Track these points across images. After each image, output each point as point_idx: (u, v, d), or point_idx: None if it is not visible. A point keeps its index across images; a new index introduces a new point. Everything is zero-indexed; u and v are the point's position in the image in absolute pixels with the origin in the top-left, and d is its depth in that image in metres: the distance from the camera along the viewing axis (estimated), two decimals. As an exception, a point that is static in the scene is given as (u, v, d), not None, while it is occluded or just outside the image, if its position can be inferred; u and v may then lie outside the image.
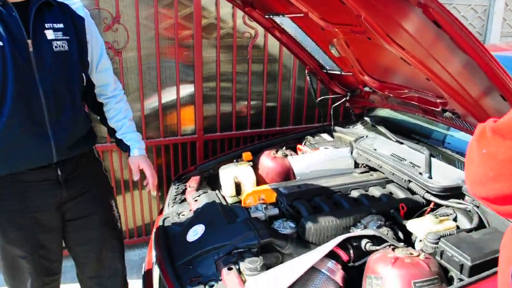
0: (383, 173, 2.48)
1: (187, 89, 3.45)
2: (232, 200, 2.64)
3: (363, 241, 1.83)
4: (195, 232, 2.08)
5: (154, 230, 2.35)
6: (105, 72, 2.06)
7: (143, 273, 2.39)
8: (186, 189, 2.67)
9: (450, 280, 1.64)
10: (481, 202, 1.56)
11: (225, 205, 2.29)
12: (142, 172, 2.18)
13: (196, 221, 2.17)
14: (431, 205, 2.12)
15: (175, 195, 2.64)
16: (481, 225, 1.88)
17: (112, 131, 2.16)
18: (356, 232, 1.86)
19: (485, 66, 1.58)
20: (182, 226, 2.22)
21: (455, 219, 1.96)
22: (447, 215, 1.95)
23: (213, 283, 1.79)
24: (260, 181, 2.68)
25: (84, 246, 2.09)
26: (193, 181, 2.72)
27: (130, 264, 3.38)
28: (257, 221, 2.03)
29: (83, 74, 1.95)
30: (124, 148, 2.19)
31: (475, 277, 1.51)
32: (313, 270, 1.72)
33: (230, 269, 1.79)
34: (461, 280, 1.58)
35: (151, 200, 3.60)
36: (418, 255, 1.66)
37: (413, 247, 1.88)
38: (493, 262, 1.60)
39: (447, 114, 2.10)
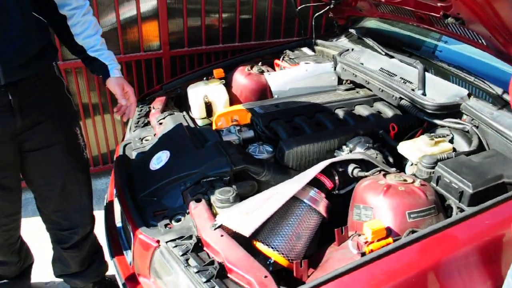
0: (370, 90, 2.22)
1: (148, 1, 3.01)
2: (202, 123, 2.37)
3: (350, 167, 1.61)
4: (159, 160, 1.82)
5: (115, 158, 2.09)
6: None
7: (104, 205, 2.16)
8: (150, 111, 2.37)
9: (446, 210, 1.46)
10: None
11: (194, 128, 2.01)
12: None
13: (160, 147, 1.91)
14: (425, 125, 1.90)
15: (138, 118, 2.34)
16: (480, 148, 1.68)
17: (79, 50, 1.78)
18: (342, 156, 1.64)
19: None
20: (145, 153, 1.96)
21: (451, 141, 1.75)
22: (443, 136, 1.74)
23: (179, 217, 1.58)
24: (233, 100, 2.39)
25: (46, 179, 1.81)
26: (158, 102, 2.41)
27: (96, 194, 3.14)
28: (229, 145, 1.77)
29: None
30: (98, 68, 1.80)
31: (477, 207, 1.32)
32: (293, 199, 1.51)
33: (198, 200, 1.56)
34: (461, 210, 1.40)
35: (116, 124, 3.29)
36: (412, 182, 1.46)
37: (404, 173, 1.68)
38: (497, 190, 1.42)
39: (450, 20, 1.80)
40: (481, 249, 1.25)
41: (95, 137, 3.24)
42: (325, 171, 1.58)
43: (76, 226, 1.95)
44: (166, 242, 1.46)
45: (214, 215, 1.50)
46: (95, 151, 3.30)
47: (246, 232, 1.34)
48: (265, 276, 1.24)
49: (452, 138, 1.76)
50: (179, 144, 1.86)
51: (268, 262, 1.46)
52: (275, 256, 1.43)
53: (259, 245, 1.46)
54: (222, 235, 1.39)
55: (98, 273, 2.15)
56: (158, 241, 1.48)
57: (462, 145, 1.73)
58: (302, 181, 1.47)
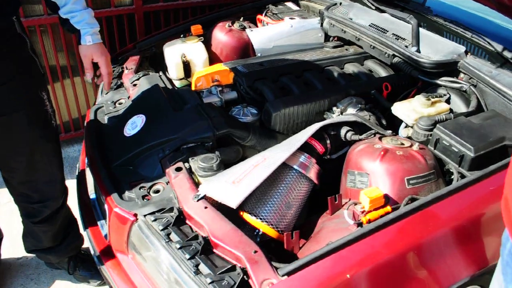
0: (360, 47, 2.08)
1: None
2: (180, 84, 2.19)
3: (343, 129, 1.50)
4: (134, 125, 1.66)
5: (85, 124, 1.91)
6: None
7: (76, 174, 2.00)
8: (123, 72, 2.17)
9: (445, 175, 1.37)
10: None
11: (171, 90, 1.84)
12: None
13: (135, 110, 1.74)
14: (419, 85, 1.78)
15: (111, 79, 2.15)
16: (479, 108, 1.59)
17: (53, 7, 1.60)
18: (334, 118, 1.52)
19: None
20: (119, 118, 1.79)
21: (448, 101, 1.65)
22: (440, 96, 1.63)
23: (158, 187, 1.45)
24: (213, 59, 2.22)
25: (10, 150, 1.63)
26: (132, 62, 2.22)
27: (69, 162, 2.98)
28: (210, 107, 1.63)
29: None
30: (72, 31, 1.64)
31: (481, 171, 1.23)
32: (282, 166, 1.39)
33: (178, 169, 1.43)
34: (461, 175, 1.31)
35: (87, 87, 3.06)
36: (410, 146, 1.36)
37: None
38: (498, 153, 1.33)
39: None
40: (486, 217, 1.17)
41: (65, 101, 3.01)
42: (316, 135, 1.47)
43: (46, 199, 1.80)
44: (145, 215, 1.33)
45: (197, 184, 1.37)
46: (66, 117, 3.08)
47: (233, 203, 1.22)
48: (255, 251, 1.13)
49: (449, 98, 1.66)
50: (155, 108, 1.70)
51: (255, 233, 1.36)
52: (263, 227, 1.33)
53: (246, 216, 1.35)
54: (206, 207, 1.27)
55: (73, 247, 2.02)
56: (135, 215, 1.35)
57: (459, 106, 1.63)
58: (293, 147, 1.35)
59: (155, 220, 1.31)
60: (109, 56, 1.73)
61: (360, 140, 1.45)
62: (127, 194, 1.45)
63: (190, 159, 1.46)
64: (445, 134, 1.38)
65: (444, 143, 1.38)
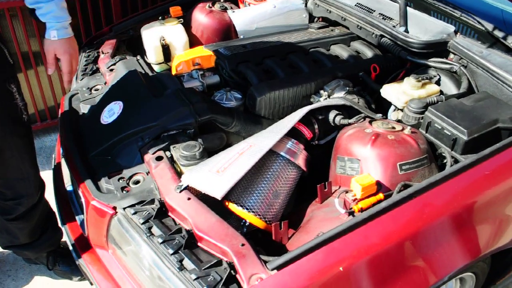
0: (346, 27, 2.01)
1: None
2: (159, 68, 2.09)
3: (331, 114, 1.44)
4: (111, 112, 1.57)
5: (59, 112, 1.81)
6: None
7: (53, 167, 1.90)
8: (98, 56, 2.06)
9: (437, 159, 1.32)
10: None
11: (150, 75, 1.75)
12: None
13: (112, 97, 1.64)
14: (407, 66, 1.73)
15: (85, 65, 2.03)
16: (470, 90, 1.54)
17: None
18: (322, 102, 1.45)
19: None
20: (96, 105, 1.69)
21: (438, 83, 1.59)
22: (430, 78, 1.58)
23: (138, 178, 1.37)
24: (193, 42, 2.12)
25: None
26: (108, 46, 2.10)
27: (45, 152, 2.86)
28: (192, 92, 1.54)
29: None
30: (40, 21, 1.50)
31: (475, 155, 1.19)
32: (268, 153, 1.32)
33: (159, 158, 1.35)
34: (455, 160, 1.26)
35: (62, 74, 2.91)
36: (402, 130, 1.31)
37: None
38: (491, 136, 1.29)
39: None
40: (481, 203, 1.13)
41: (40, 89, 2.87)
42: (303, 120, 1.40)
43: (20, 196, 1.70)
44: (124, 208, 1.26)
45: (179, 174, 1.29)
46: (41, 105, 2.94)
47: (218, 194, 1.15)
48: (242, 244, 1.07)
49: (439, 79, 1.61)
50: (133, 93, 1.60)
51: (242, 224, 1.30)
52: (250, 217, 1.27)
53: (232, 206, 1.29)
54: (189, 198, 1.20)
55: (52, 242, 1.93)
56: (114, 208, 1.28)
57: (450, 87, 1.58)
58: (279, 132, 1.28)
59: (135, 213, 1.24)
60: (76, 52, 1.59)
61: (349, 124, 1.39)
62: (105, 186, 1.37)
63: (171, 147, 1.38)
64: (437, 117, 1.33)
65: (436, 126, 1.33)
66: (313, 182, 1.35)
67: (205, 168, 1.25)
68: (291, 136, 1.36)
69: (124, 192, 1.32)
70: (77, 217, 1.62)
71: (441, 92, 1.55)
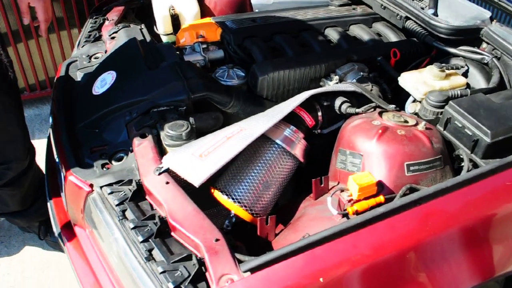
0: (370, 7, 1.82)
1: None
2: (167, 40, 1.97)
3: (338, 100, 1.28)
4: (103, 82, 1.47)
5: (55, 79, 1.72)
6: None
7: (47, 138, 1.82)
8: (103, 23, 1.95)
9: (453, 161, 1.16)
10: None
11: (150, 45, 1.63)
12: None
13: (107, 66, 1.54)
14: (433, 53, 1.54)
15: (90, 32, 1.93)
16: (501, 85, 1.35)
17: None
18: (329, 86, 1.29)
19: None
20: (91, 74, 1.59)
21: (465, 74, 1.41)
22: (457, 68, 1.39)
23: (121, 155, 1.26)
24: (205, 13, 1.98)
25: None
26: (115, 13, 1.99)
27: (44, 120, 2.80)
28: (189, 67, 1.41)
29: None
30: None
31: (497, 161, 1.02)
32: (262, 139, 1.20)
33: (143, 136, 1.24)
34: (473, 163, 1.09)
35: (63, 41, 2.81)
36: (415, 124, 1.14)
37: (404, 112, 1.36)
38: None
39: None
40: (499, 217, 0.97)
41: (40, 58, 2.79)
42: (306, 105, 1.25)
43: (9, 160, 1.63)
44: (101, 187, 1.16)
45: (163, 155, 1.18)
46: (42, 75, 2.87)
47: (196, 180, 1.03)
48: (217, 240, 0.95)
49: (467, 71, 1.42)
50: (128, 64, 1.49)
51: (230, 215, 1.19)
52: (235, 208, 1.15)
53: (217, 195, 1.17)
54: (167, 182, 1.09)
55: (43, 212, 1.86)
56: (91, 185, 1.18)
57: (478, 81, 1.40)
58: (275, 117, 1.14)
59: (111, 193, 1.14)
60: (49, 0, 1.51)
61: (356, 113, 1.24)
62: (86, 161, 1.27)
63: (158, 125, 1.26)
64: (458, 113, 1.16)
65: (456, 124, 1.16)
66: (313, 174, 1.22)
67: (188, 150, 1.13)
68: (290, 122, 1.22)
69: (104, 169, 1.22)
70: (62, 194, 1.54)
71: (468, 86, 1.37)
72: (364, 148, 1.08)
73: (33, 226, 1.93)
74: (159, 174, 1.11)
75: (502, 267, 1.00)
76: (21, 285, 1.85)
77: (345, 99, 1.27)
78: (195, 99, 1.32)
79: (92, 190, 1.18)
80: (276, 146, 1.18)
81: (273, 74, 1.38)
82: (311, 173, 1.23)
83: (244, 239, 1.17)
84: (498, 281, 1.15)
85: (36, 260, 1.93)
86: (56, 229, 1.45)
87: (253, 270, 0.88)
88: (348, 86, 1.30)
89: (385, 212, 0.91)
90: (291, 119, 1.22)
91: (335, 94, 1.29)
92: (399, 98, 1.46)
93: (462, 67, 1.42)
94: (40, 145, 1.97)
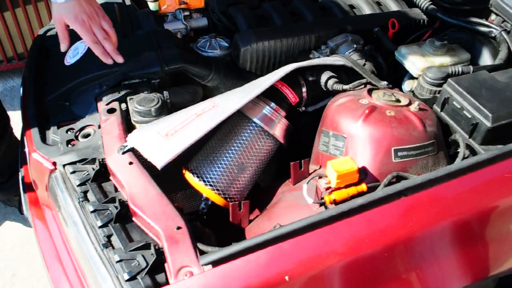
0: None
1: None
2: (154, 7, 1.83)
3: (324, 75, 1.16)
4: (75, 51, 1.36)
5: (29, 48, 1.61)
6: None
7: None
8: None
9: (449, 146, 1.04)
10: None
11: (129, 11, 1.50)
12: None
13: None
14: (436, 25, 1.40)
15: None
16: (509, 62, 1.21)
17: None
18: (314, 60, 1.17)
19: None
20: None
21: (470, 49, 1.26)
22: (460, 42, 1.26)
23: (89, 131, 1.16)
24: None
25: None
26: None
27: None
28: (165, 36, 1.30)
29: None
30: None
31: (497, 149, 0.90)
32: (239, 117, 1.09)
33: (111, 111, 1.14)
34: (471, 149, 0.98)
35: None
36: (408, 104, 1.03)
37: (401, 90, 1.23)
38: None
39: None
40: (497, 212, 0.86)
41: (28, 26, 2.65)
42: (290, 80, 1.14)
43: None
44: (64, 165, 1.07)
45: (130, 131, 1.08)
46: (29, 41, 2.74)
47: (158, 162, 0.94)
48: (178, 228, 0.87)
49: (472, 45, 1.28)
50: (103, 31, 1.37)
51: (203, 199, 1.10)
52: (207, 192, 1.06)
53: (188, 176, 1.08)
54: (131, 163, 0.99)
55: (21, 186, 1.80)
56: (54, 163, 1.09)
57: (484, 57, 1.26)
58: (252, 92, 1.03)
59: (73, 172, 1.05)
60: (95, 13, 1.19)
61: (343, 90, 1.12)
62: (51, 136, 1.19)
63: (128, 98, 1.16)
64: (456, 92, 1.03)
65: (455, 105, 1.04)
66: (298, 155, 1.12)
67: (155, 128, 1.03)
68: (271, 99, 1.10)
69: (69, 146, 1.13)
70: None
71: (472, 62, 1.23)
72: (348, 130, 0.97)
73: (13, 200, 1.87)
74: (123, 153, 1.01)
75: (496, 267, 0.90)
76: (-1, 261, 1.81)
77: (332, 74, 1.14)
78: (169, 71, 1.21)
79: (55, 169, 1.09)
80: (254, 125, 1.07)
81: (257, 45, 1.26)
82: (296, 154, 1.13)
83: (221, 224, 1.10)
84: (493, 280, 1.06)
85: (16, 236, 1.88)
86: (24, 206, 1.37)
87: (214, 263, 0.80)
88: (337, 59, 1.17)
89: (364, 204, 0.81)
90: (272, 95, 1.11)
91: (322, 68, 1.16)
92: (397, 74, 1.34)
93: (466, 40, 1.28)
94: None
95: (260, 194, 1.15)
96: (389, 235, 0.78)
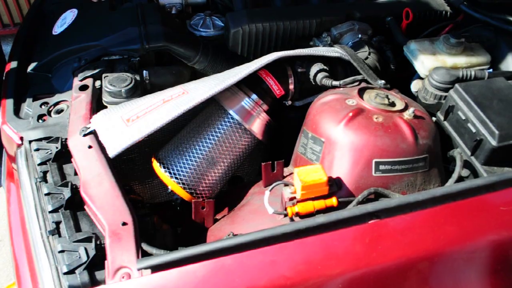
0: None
1: None
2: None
3: (314, 67, 1.03)
4: (63, 21, 1.30)
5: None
6: None
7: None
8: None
9: (449, 162, 0.91)
10: None
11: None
12: None
13: (72, 2, 1.35)
14: (458, 19, 1.23)
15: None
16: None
17: None
18: (306, 49, 1.04)
19: None
20: (59, 11, 1.41)
21: (491, 50, 1.10)
22: (482, 41, 1.10)
23: (62, 106, 1.10)
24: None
25: None
26: None
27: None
28: (153, 11, 1.20)
29: None
30: None
31: (499, 174, 0.77)
32: (215, 108, 0.99)
33: (83, 88, 1.06)
34: (474, 170, 0.84)
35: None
36: (402, 110, 0.89)
37: (409, 90, 1.09)
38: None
39: None
40: (481, 253, 0.73)
41: None
42: (276, 70, 1.02)
43: None
44: (30, 141, 1.01)
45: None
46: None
47: (111, 150, 0.86)
48: (124, 224, 0.79)
49: (496, 46, 1.12)
50: (92, 1, 1.30)
51: (169, 191, 1.02)
52: (172, 185, 0.97)
53: (156, 166, 1.00)
54: (90, 146, 0.92)
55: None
56: (21, 138, 1.04)
57: (507, 61, 1.09)
58: (227, 80, 0.92)
59: (37, 149, 0.99)
60: None
61: (333, 87, 0.99)
62: (25, 109, 1.13)
63: (103, 76, 1.08)
64: (463, 100, 0.89)
65: (459, 115, 0.90)
66: (284, 152, 1.02)
67: (119, 112, 0.94)
68: (253, 90, 0.99)
69: (40, 121, 1.07)
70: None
71: (492, 66, 1.07)
72: (327, 133, 0.86)
73: None
74: (84, 135, 0.94)
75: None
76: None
77: (323, 66, 1.02)
78: (150, 49, 1.12)
79: (22, 144, 1.04)
80: (230, 117, 0.97)
81: (249, 26, 1.14)
82: (282, 151, 1.03)
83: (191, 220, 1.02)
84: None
85: (3, 205, 1.87)
86: (2, 178, 1.34)
87: (154, 268, 0.72)
88: (334, 50, 1.04)
89: (324, 224, 0.70)
90: (255, 86, 1.00)
91: (314, 59, 1.04)
92: (407, 72, 1.19)
93: (489, 39, 1.11)
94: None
95: (234, 192, 1.05)
96: (346, 263, 0.67)
